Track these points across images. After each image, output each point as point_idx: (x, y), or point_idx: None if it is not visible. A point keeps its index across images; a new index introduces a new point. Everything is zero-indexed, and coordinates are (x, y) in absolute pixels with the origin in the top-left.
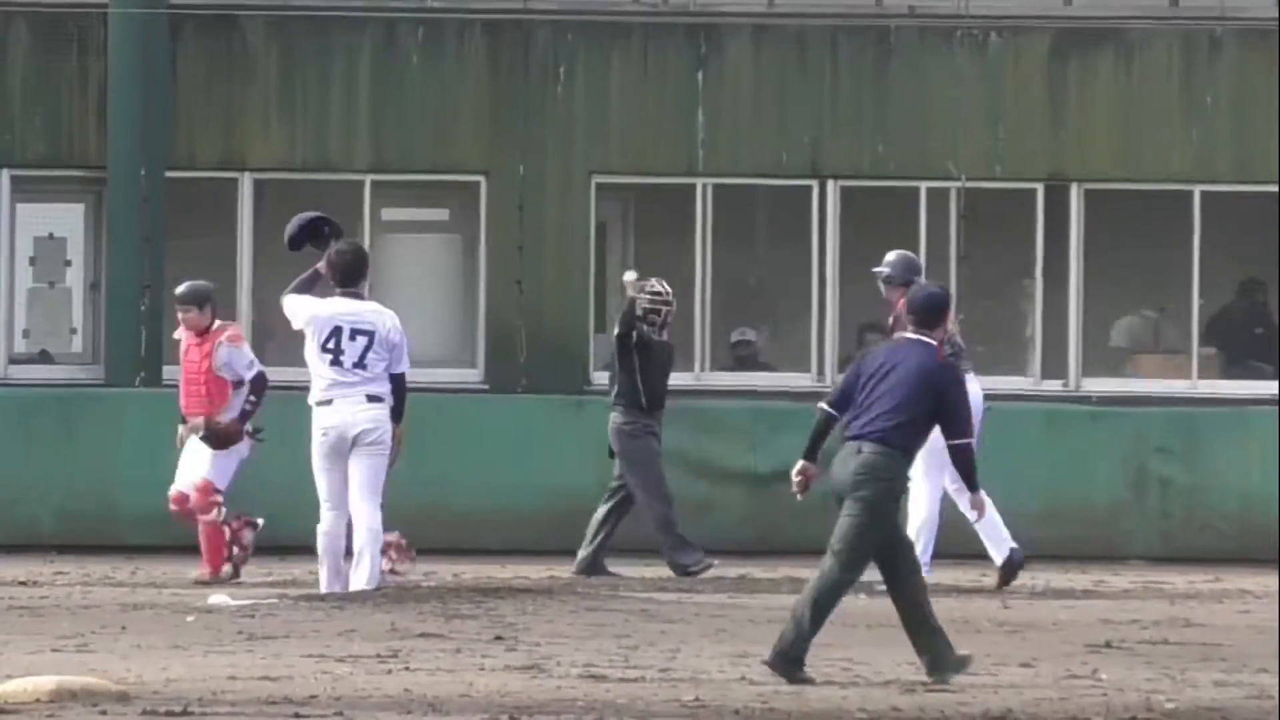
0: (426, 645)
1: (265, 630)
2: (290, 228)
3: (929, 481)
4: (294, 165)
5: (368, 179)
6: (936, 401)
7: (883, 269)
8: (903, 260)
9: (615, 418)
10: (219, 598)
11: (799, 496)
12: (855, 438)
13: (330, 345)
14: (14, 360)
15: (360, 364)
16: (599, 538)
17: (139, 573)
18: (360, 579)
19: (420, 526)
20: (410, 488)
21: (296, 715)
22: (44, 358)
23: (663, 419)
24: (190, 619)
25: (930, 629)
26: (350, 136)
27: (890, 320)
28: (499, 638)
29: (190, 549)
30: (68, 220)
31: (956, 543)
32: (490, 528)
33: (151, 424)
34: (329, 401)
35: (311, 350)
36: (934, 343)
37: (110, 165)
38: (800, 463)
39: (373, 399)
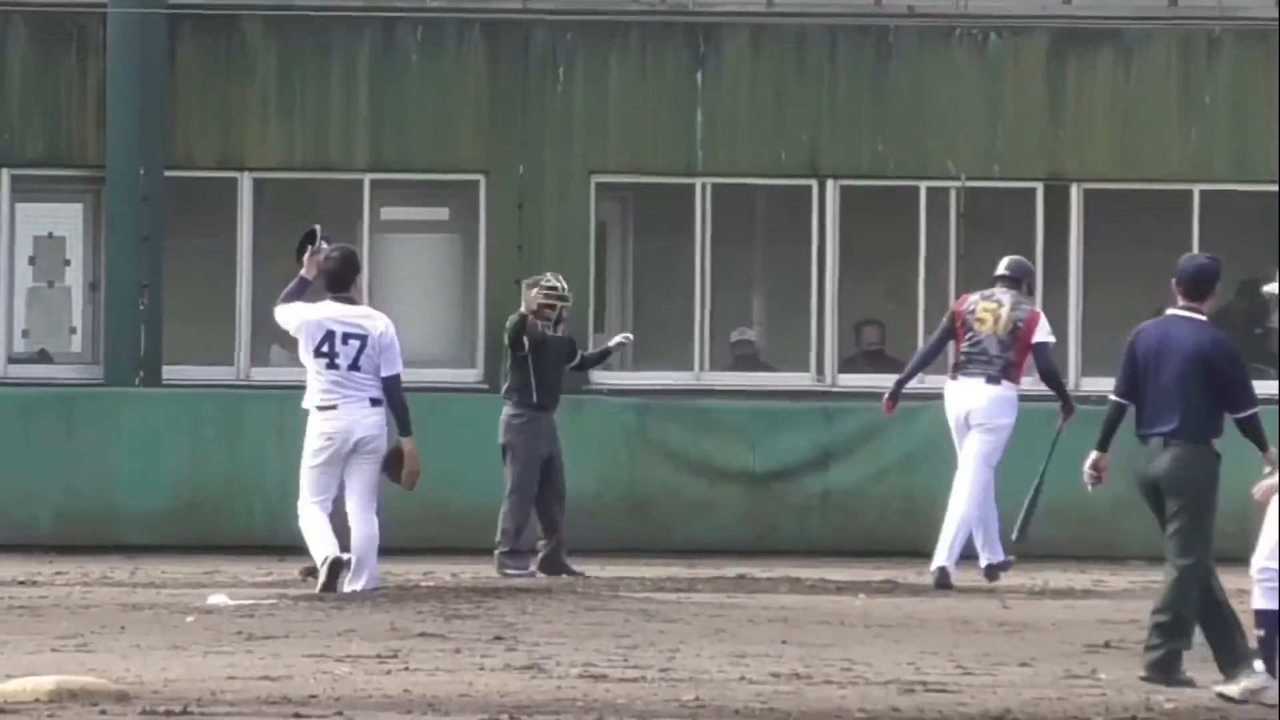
0: (426, 645)
1: (264, 630)
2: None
3: (974, 476)
4: (293, 165)
5: (367, 178)
6: (1215, 378)
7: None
8: (1015, 264)
9: (506, 410)
10: (218, 598)
11: (1091, 488)
12: (1158, 434)
13: (325, 349)
14: (13, 359)
15: (355, 367)
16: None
17: (138, 573)
18: (359, 583)
19: (420, 526)
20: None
21: (296, 715)
22: (43, 357)
23: (553, 413)
24: (189, 619)
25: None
26: (349, 136)
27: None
28: (498, 637)
29: (191, 549)
30: (67, 220)
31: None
32: (489, 527)
33: (151, 424)
34: (332, 406)
35: (306, 355)
36: (1203, 318)
37: (109, 165)
38: (1094, 454)
39: (375, 403)
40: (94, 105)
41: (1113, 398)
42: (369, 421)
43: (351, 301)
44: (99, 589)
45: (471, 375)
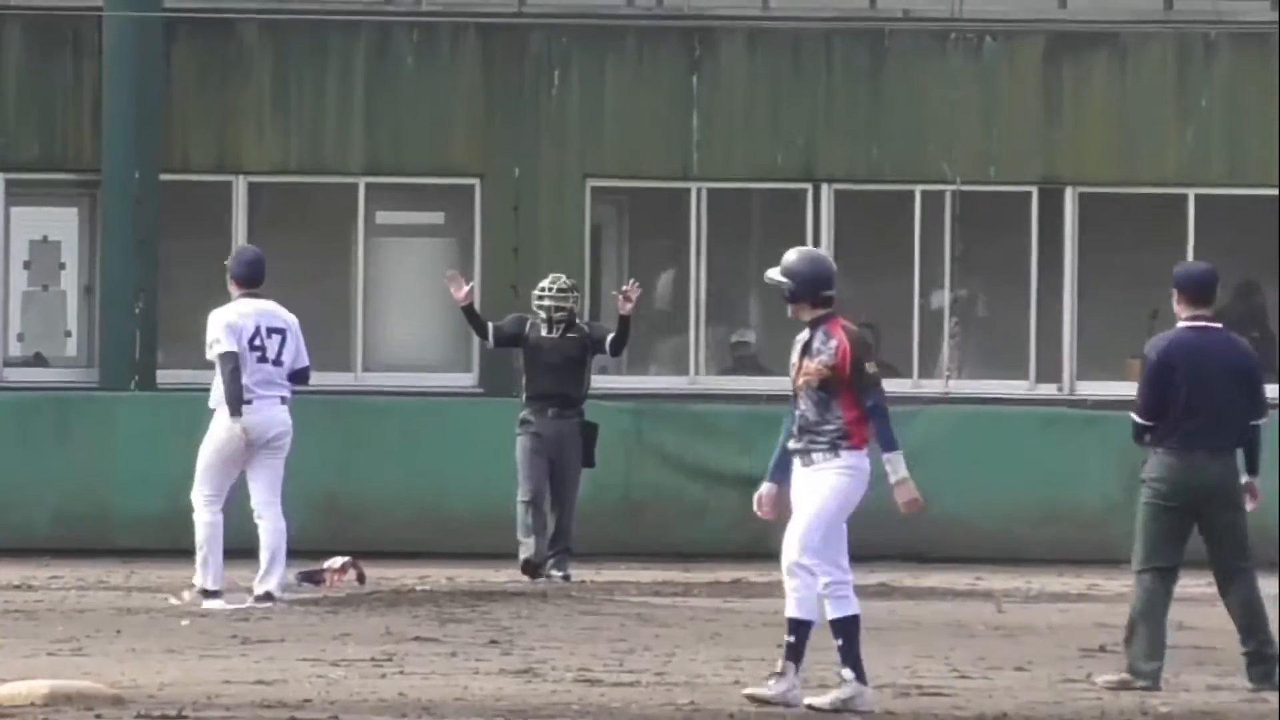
0: (421, 649)
1: (259, 634)
2: (251, 270)
3: None
4: (288, 168)
5: (362, 182)
6: (1252, 387)
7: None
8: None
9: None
10: (213, 602)
11: None
12: (1214, 447)
13: (256, 343)
14: (9, 363)
15: (278, 360)
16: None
17: (134, 576)
18: (271, 582)
19: (415, 530)
20: (405, 491)
21: (291, 719)
22: (39, 361)
23: (559, 418)
24: (185, 623)
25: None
26: (345, 139)
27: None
28: (494, 642)
29: (187, 552)
30: (62, 223)
31: (952, 544)
32: (485, 532)
33: (146, 427)
34: (248, 401)
35: (231, 352)
36: (1220, 326)
37: (105, 168)
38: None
39: (284, 400)
40: (90, 109)
41: (1143, 421)
42: (282, 417)
43: (261, 297)
44: (94, 593)
45: (467, 380)
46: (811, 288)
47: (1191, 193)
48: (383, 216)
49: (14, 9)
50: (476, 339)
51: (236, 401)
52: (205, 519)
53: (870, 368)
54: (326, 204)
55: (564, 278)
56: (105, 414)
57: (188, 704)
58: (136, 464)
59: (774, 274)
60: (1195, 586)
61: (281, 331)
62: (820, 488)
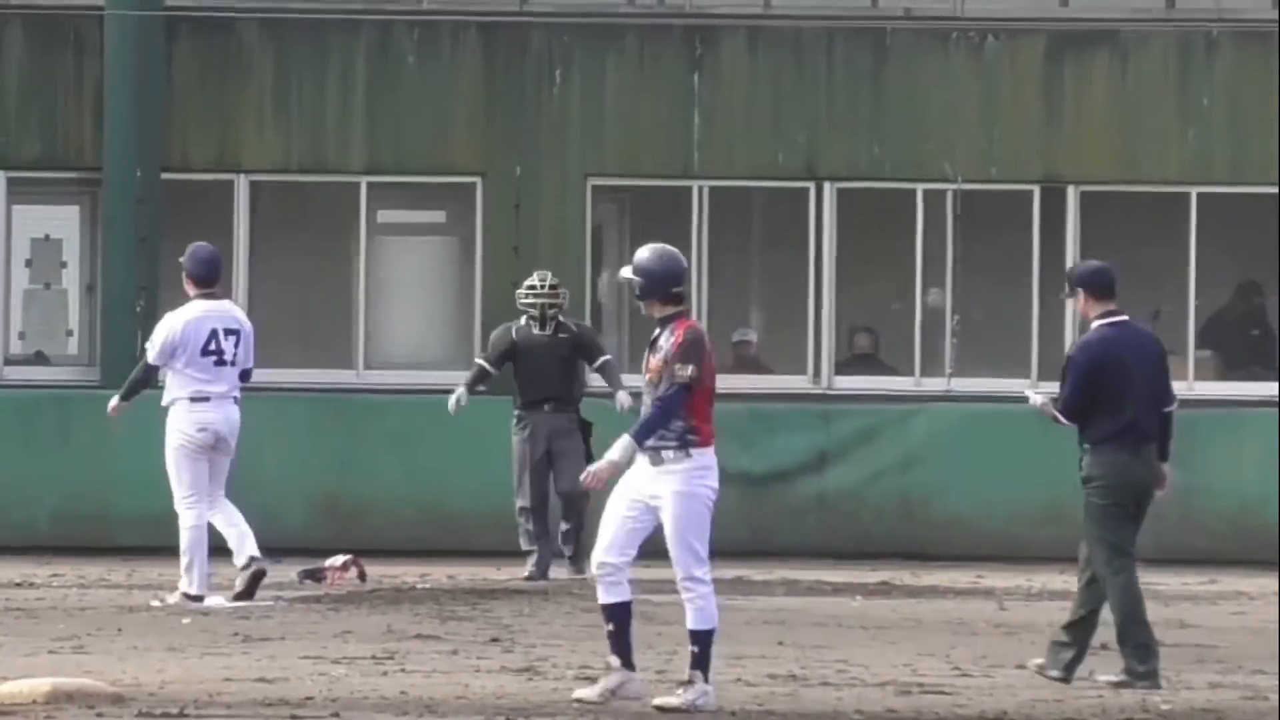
0: (423, 647)
1: (261, 632)
2: (208, 269)
3: None
4: (289, 167)
5: (363, 181)
6: (1166, 377)
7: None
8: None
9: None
10: (214, 599)
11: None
12: (1154, 441)
13: (212, 347)
14: (10, 362)
15: (233, 362)
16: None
17: (135, 575)
18: (249, 549)
19: (416, 528)
20: (407, 489)
21: (292, 717)
22: (40, 359)
23: (552, 412)
24: (186, 621)
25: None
26: (346, 138)
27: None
28: (495, 639)
29: None
30: (64, 222)
31: (953, 543)
32: (486, 529)
33: (147, 426)
34: (205, 399)
35: (187, 357)
36: (1128, 318)
37: (106, 167)
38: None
39: (236, 400)
40: (91, 107)
41: (1067, 423)
42: (235, 419)
43: (218, 297)
44: (95, 591)
45: (467, 378)
46: (661, 285)
47: (1193, 191)
48: (384, 215)
49: (15, 8)
50: (478, 336)
51: (131, 390)
52: (189, 523)
53: (680, 370)
54: (328, 203)
55: (550, 275)
56: (106, 413)
57: (189, 702)
58: (137, 462)
59: (626, 271)
60: (1196, 585)
61: (236, 333)
62: (680, 500)
